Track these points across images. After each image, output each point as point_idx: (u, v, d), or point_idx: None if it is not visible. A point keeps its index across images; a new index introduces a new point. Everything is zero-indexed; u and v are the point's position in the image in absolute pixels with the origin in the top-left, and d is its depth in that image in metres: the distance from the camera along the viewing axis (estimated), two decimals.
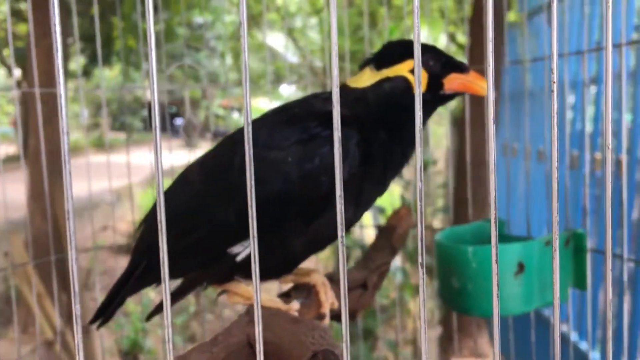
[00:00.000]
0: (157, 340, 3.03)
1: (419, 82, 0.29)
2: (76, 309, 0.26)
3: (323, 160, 0.69)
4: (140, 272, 0.80)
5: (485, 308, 0.90)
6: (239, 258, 0.72)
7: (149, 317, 0.84)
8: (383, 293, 2.80)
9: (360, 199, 0.76)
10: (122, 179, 1.70)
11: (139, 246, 0.84)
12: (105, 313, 0.84)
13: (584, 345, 1.65)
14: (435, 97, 0.78)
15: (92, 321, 0.84)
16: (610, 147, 0.32)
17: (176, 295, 0.80)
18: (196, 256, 0.76)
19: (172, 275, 0.79)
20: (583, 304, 1.63)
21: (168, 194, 0.80)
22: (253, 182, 0.32)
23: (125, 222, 4.80)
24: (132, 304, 3.37)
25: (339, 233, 0.31)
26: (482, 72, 1.46)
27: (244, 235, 0.70)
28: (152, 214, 0.85)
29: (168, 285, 0.29)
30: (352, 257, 2.68)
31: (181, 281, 0.81)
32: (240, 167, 0.70)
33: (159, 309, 0.83)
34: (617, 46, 1.13)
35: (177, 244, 0.74)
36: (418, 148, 0.30)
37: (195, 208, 0.75)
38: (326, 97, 0.78)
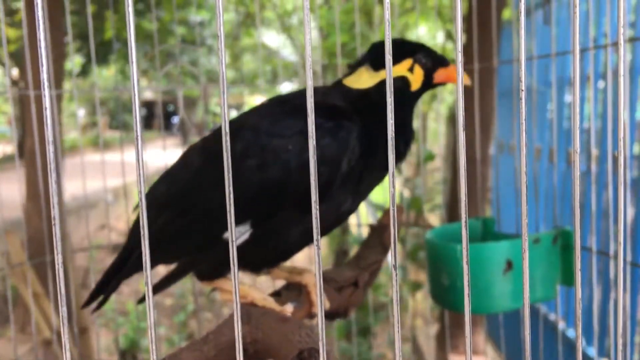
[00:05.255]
0: (155, 339, 3.04)
1: (391, 92, 0.30)
2: (63, 311, 0.27)
3: (324, 151, 0.70)
4: (136, 256, 0.80)
5: (474, 304, 0.91)
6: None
7: (140, 302, 0.85)
8: (381, 290, 2.81)
9: (360, 188, 0.77)
10: (119, 177, 1.70)
11: (135, 230, 0.84)
12: (99, 296, 0.84)
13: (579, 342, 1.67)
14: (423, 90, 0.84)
15: (85, 304, 0.84)
16: (578, 151, 0.33)
17: (169, 280, 0.80)
18: (191, 239, 0.76)
19: (166, 260, 0.80)
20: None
21: (168, 175, 0.82)
22: (231, 184, 0.33)
23: (122, 220, 4.81)
24: (130, 303, 3.38)
25: (315, 237, 0.32)
26: (472, 72, 1.46)
27: (239, 221, 0.70)
28: (149, 195, 0.84)
29: (150, 285, 0.31)
30: (350, 254, 2.69)
31: (175, 266, 0.81)
32: (242, 152, 0.71)
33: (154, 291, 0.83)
34: (614, 44, 1.14)
35: (172, 225, 0.75)
36: (390, 155, 0.31)
37: (193, 190, 0.76)
38: (324, 91, 0.81)
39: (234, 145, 0.72)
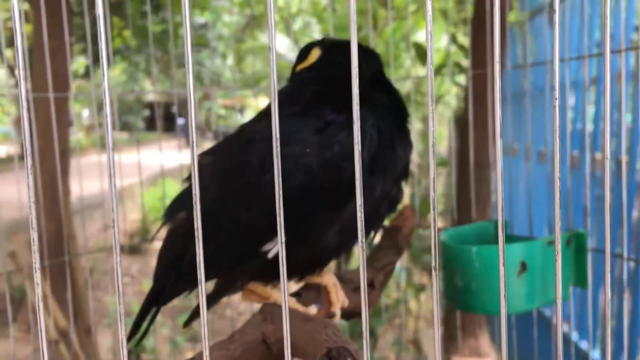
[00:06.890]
0: (160, 340, 3.05)
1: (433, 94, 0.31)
2: (120, 310, 0.28)
3: (342, 147, 0.68)
4: (171, 284, 0.78)
5: (488, 306, 0.92)
6: (270, 255, 0.71)
7: (187, 323, 0.83)
8: (385, 292, 2.82)
9: (394, 172, 0.76)
10: (125, 178, 1.69)
11: (164, 260, 0.81)
12: (140, 326, 0.83)
13: (584, 345, 1.68)
14: None
15: (130, 337, 0.82)
16: (604, 157, 0.34)
17: (211, 299, 0.79)
18: (228, 258, 0.75)
19: (205, 279, 0.79)
20: (584, 304, 1.66)
21: (184, 197, 0.80)
22: (281, 181, 0.34)
23: (128, 221, 4.82)
24: (135, 304, 3.38)
25: (359, 237, 0.33)
26: (482, 77, 1.47)
27: (273, 233, 0.67)
28: (170, 222, 0.81)
29: (204, 289, 0.32)
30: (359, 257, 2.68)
31: (215, 285, 0.80)
32: (260, 166, 0.69)
33: (195, 314, 0.82)
34: (617, 51, 1.15)
35: (206, 247, 0.74)
36: (431, 162, 0.32)
37: (217, 213, 0.73)
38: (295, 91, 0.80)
39: (249, 159, 0.71)
